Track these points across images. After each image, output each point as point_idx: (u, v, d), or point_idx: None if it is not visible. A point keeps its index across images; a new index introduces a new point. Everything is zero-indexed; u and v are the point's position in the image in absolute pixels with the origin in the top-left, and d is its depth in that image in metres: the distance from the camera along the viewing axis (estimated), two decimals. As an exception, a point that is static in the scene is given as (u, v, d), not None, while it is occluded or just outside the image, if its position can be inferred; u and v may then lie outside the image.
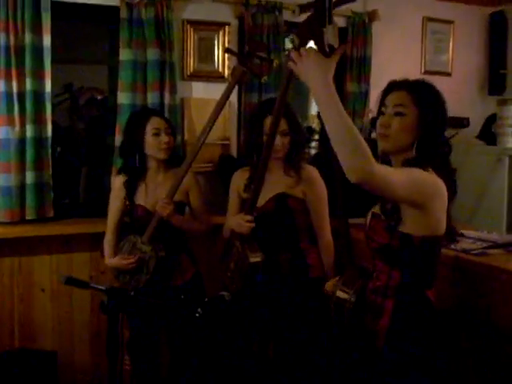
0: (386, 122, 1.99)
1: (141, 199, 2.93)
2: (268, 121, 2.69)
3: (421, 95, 1.99)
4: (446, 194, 1.93)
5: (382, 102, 2.06)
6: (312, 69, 1.69)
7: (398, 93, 2.02)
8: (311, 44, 1.72)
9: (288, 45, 4.56)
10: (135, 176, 2.94)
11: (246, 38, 3.71)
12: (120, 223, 3.02)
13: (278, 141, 2.69)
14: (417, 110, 1.97)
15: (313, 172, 2.82)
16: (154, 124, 2.90)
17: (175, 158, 3.01)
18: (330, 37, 1.66)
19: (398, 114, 1.98)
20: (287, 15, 3.82)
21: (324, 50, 1.65)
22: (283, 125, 2.70)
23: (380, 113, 2.05)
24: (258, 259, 2.63)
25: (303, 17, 1.85)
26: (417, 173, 1.89)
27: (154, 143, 2.89)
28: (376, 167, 1.69)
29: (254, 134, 2.80)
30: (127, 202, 2.94)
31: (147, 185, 2.94)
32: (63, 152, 4.04)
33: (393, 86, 2.06)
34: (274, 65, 3.15)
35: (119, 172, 3.02)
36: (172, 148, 2.95)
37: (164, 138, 2.89)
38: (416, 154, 1.97)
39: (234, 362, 3.00)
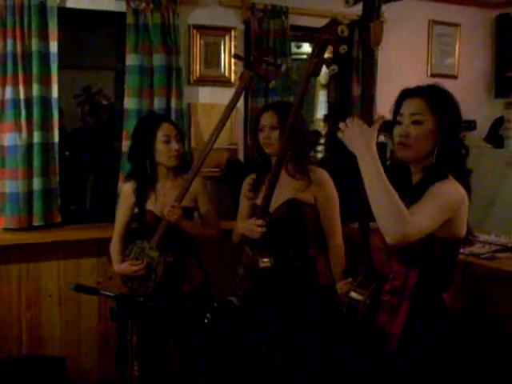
0: (405, 132, 2.00)
1: (150, 205, 2.92)
2: (262, 117, 2.83)
3: (436, 102, 1.99)
4: (467, 199, 1.96)
5: (396, 111, 2.06)
6: (356, 137, 1.87)
7: (413, 100, 2.02)
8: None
9: (294, 49, 4.57)
10: (145, 183, 2.92)
11: (253, 43, 3.72)
12: (127, 229, 3.01)
13: (266, 134, 2.77)
14: (434, 117, 1.97)
15: (324, 175, 2.80)
16: (164, 131, 2.88)
17: (184, 164, 2.99)
18: (377, 32, 1.71)
19: (415, 122, 1.98)
20: (293, 20, 3.83)
21: (369, 46, 1.71)
22: (272, 118, 2.77)
23: (396, 122, 2.05)
24: (268, 265, 2.62)
25: (355, 8, 1.91)
26: (441, 196, 1.90)
27: (164, 150, 2.87)
28: (411, 226, 1.78)
29: (255, 133, 2.87)
30: (136, 209, 2.93)
31: (156, 191, 2.93)
32: (70, 157, 4.04)
33: (406, 94, 2.06)
34: (282, 70, 3.14)
35: (128, 178, 3.01)
36: (182, 155, 2.93)
37: (174, 145, 2.87)
38: (436, 160, 1.97)
39: (242, 369, 2.99)
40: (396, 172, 2.07)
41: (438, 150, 1.97)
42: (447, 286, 2.05)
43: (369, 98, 2.16)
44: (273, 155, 2.77)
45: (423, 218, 1.85)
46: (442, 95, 2.03)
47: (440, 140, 1.97)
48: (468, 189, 1.98)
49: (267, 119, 2.80)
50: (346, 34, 1.78)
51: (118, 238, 3.00)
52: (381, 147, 2.50)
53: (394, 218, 1.76)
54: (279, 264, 2.67)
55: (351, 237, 2.78)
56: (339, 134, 1.93)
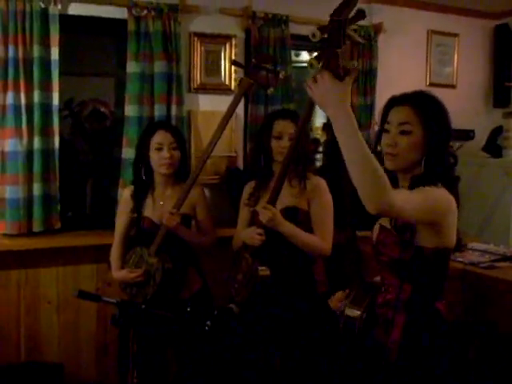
0: (393, 141, 1.95)
1: (148, 212, 2.93)
2: (279, 124, 2.81)
3: (425, 110, 1.95)
4: (456, 207, 1.93)
5: (384, 119, 2.02)
6: (327, 93, 1.65)
7: (401, 109, 1.98)
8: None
9: (294, 57, 4.58)
10: (142, 188, 2.95)
11: (253, 51, 3.73)
12: (127, 236, 3.01)
13: (284, 143, 2.77)
14: (423, 127, 1.94)
15: (320, 182, 2.82)
16: (157, 138, 2.88)
17: (184, 172, 2.98)
18: (345, 57, 1.65)
19: (403, 132, 1.94)
20: (294, 28, 3.85)
21: (339, 73, 1.64)
22: (291, 128, 2.77)
23: (384, 130, 2.01)
24: (267, 273, 2.64)
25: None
26: (429, 193, 1.87)
27: (155, 158, 2.88)
28: (393, 197, 1.68)
29: (263, 137, 2.85)
30: (134, 214, 2.94)
31: (155, 198, 2.94)
32: (69, 164, 4.04)
33: (394, 102, 2.02)
34: (281, 76, 3.16)
35: (132, 184, 3.03)
36: (176, 163, 2.91)
37: (166, 153, 2.86)
38: (424, 170, 1.94)
39: (241, 376, 2.98)
40: None
41: (426, 160, 1.94)
42: (441, 295, 2.04)
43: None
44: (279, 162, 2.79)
45: (405, 196, 1.82)
46: (431, 103, 1.99)
47: (428, 149, 1.94)
48: (456, 196, 1.95)
49: (287, 128, 2.79)
50: (317, 37, 1.70)
51: (117, 245, 3.00)
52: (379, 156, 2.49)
53: (375, 183, 1.63)
54: (277, 271, 2.69)
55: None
56: (308, 91, 1.70)
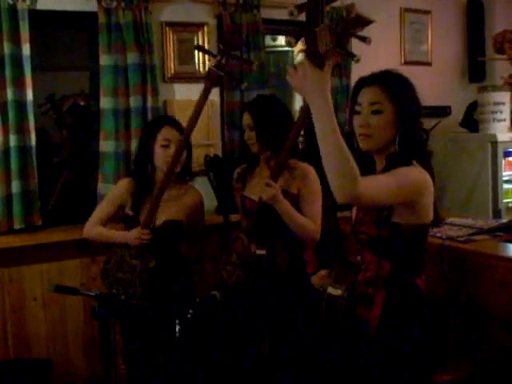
0: (365, 122, 1.98)
1: (142, 215, 2.82)
2: (244, 117, 2.88)
3: (394, 89, 1.98)
4: (432, 185, 1.97)
5: (353, 101, 2.04)
6: (307, 81, 1.65)
7: (370, 89, 2.01)
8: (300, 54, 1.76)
9: (270, 42, 4.57)
10: (144, 188, 2.85)
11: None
12: (108, 220, 2.93)
13: (245, 135, 2.84)
14: (393, 106, 1.97)
15: (307, 169, 2.82)
16: (164, 134, 2.80)
17: (186, 171, 2.90)
18: (323, 37, 1.66)
19: (375, 112, 1.97)
20: (266, 13, 3.85)
21: (316, 52, 1.65)
22: (248, 119, 2.82)
23: (354, 112, 2.03)
24: (263, 252, 2.68)
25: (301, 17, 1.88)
26: (403, 175, 1.91)
27: (162, 155, 2.79)
28: (362, 188, 1.70)
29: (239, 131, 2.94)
30: (130, 212, 2.84)
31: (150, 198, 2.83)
32: (48, 160, 4.04)
33: (362, 83, 2.05)
34: (254, 67, 3.14)
35: (130, 175, 2.96)
36: (182, 162, 2.82)
37: (173, 151, 2.77)
38: (398, 148, 1.97)
39: (230, 359, 3.01)
40: (360, 162, 2.07)
41: (400, 138, 1.96)
42: (419, 271, 2.07)
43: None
44: (259, 154, 2.84)
45: (377, 184, 1.85)
46: (399, 82, 2.03)
47: (400, 127, 1.97)
48: (430, 170, 1.99)
49: (245, 120, 2.85)
50: (295, 16, 1.68)
51: (98, 222, 2.91)
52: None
53: (344, 176, 1.66)
54: (267, 253, 2.72)
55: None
56: (288, 78, 1.71)
